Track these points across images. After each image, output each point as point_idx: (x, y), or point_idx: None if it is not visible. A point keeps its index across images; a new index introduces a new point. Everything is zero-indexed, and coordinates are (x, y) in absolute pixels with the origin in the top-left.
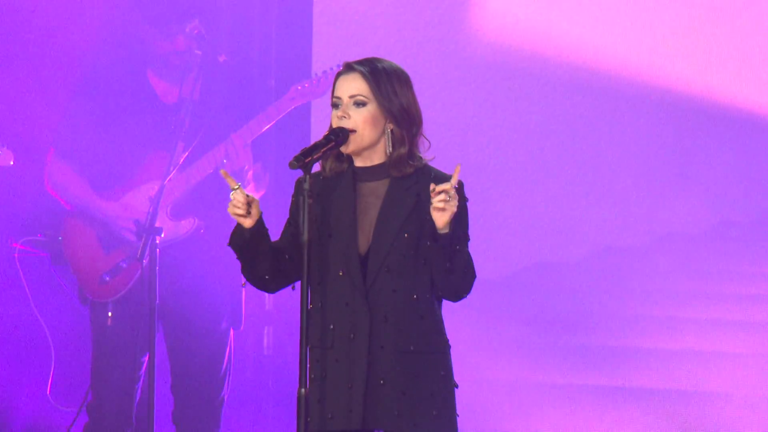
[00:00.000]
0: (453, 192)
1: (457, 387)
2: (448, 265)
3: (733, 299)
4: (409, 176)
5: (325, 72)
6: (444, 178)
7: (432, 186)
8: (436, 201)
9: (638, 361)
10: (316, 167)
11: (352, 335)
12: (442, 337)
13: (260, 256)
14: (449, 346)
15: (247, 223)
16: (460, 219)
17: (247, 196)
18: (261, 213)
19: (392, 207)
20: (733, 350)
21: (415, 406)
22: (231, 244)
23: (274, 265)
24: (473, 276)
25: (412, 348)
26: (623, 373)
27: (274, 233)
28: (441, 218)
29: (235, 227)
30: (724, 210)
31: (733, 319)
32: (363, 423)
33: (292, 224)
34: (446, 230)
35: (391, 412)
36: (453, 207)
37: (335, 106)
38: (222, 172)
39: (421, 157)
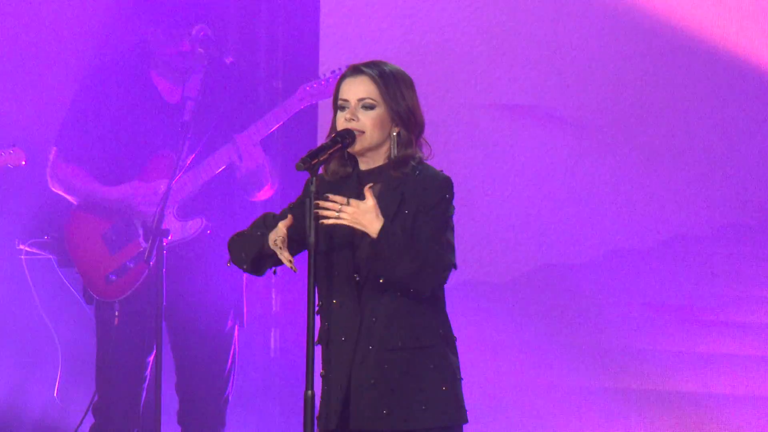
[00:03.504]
0: (343, 206)
1: (461, 380)
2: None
3: (742, 301)
4: (399, 177)
5: (333, 72)
6: (430, 176)
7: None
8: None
9: (647, 363)
10: (322, 169)
11: (343, 338)
12: (436, 331)
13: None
14: (448, 340)
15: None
16: (434, 212)
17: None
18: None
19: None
20: (745, 353)
21: (407, 402)
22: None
23: (257, 258)
24: (427, 268)
25: (400, 344)
26: (632, 376)
27: None
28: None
29: (249, 234)
30: (734, 212)
31: (744, 322)
32: (341, 425)
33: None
34: (369, 236)
35: (380, 412)
36: (344, 217)
37: (342, 108)
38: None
39: (420, 158)
